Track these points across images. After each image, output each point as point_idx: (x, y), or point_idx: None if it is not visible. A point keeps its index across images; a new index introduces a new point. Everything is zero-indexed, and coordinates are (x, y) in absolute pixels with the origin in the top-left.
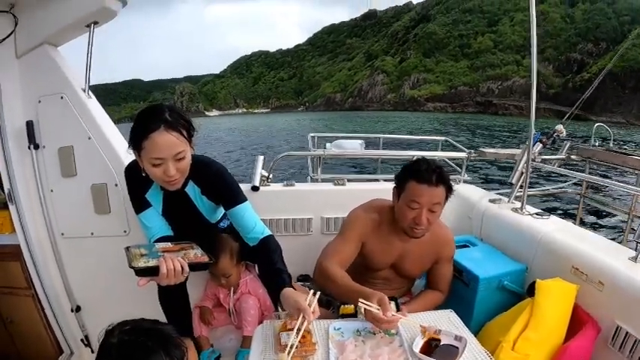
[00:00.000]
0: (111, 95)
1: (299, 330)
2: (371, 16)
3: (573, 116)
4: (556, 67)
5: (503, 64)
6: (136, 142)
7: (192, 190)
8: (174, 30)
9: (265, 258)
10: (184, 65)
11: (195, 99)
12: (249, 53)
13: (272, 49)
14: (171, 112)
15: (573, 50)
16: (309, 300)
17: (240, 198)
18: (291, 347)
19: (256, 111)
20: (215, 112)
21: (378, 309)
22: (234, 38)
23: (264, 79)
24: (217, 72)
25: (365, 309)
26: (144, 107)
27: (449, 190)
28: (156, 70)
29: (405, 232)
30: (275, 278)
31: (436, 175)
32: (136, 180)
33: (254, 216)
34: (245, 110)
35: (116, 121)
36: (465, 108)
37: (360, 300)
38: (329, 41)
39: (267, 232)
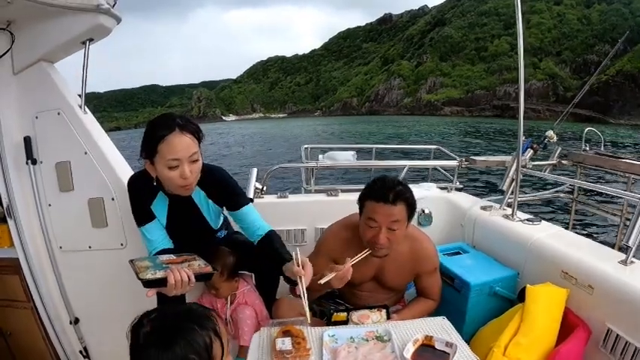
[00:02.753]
0: (129, 100)
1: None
2: (386, 20)
3: (592, 120)
4: (573, 69)
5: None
6: (150, 147)
7: (198, 195)
8: (192, 35)
9: (269, 246)
10: (201, 70)
11: (212, 104)
12: (266, 58)
13: (288, 54)
14: (181, 118)
15: (590, 52)
16: (297, 257)
17: (246, 199)
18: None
19: (273, 116)
20: (232, 117)
21: (334, 274)
22: (250, 44)
23: (280, 84)
24: (234, 77)
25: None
26: (160, 112)
27: (410, 208)
28: (173, 75)
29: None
30: (278, 258)
31: (393, 194)
32: (141, 191)
33: (259, 216)
34: (262, 115)
35: (134, 126)
36: (482, 112)
37: (319, 282)
38: (345, 46)
39: (270, 227)
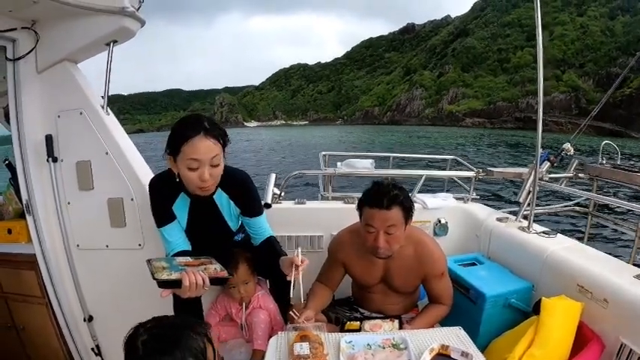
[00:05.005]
0: (152, 104)
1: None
2: (409, 30)
3: (614, 134)
4: (596, 81)
5: (543, 79)
6: (175, 146)
7: (220, 198)
8: (216, 41)
9: (270, 247)
10: (224, 76)
11: (234, 110)
12: (288, 66)
13: (311, 62)
14: (209, 121)
15: (614, 65)
16: (297, 253)
17: (262, 209)
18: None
19: (295, 123)
20: (254, 123)
21: (303, 322)
22: (273, 50)
23: (302, 92)
24: (257, 84)
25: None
26: (183, 115)
27: (405, 210)
28: (196, 80)
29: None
30: (277, 256)
31: (387, 199)
32: (163, 192)
33: (267, 224)
34: (284, 122)
35: (157, 129)
36: (503, 124)
37: (291, 312)
38: (367, 55)
39: (272, 233)
